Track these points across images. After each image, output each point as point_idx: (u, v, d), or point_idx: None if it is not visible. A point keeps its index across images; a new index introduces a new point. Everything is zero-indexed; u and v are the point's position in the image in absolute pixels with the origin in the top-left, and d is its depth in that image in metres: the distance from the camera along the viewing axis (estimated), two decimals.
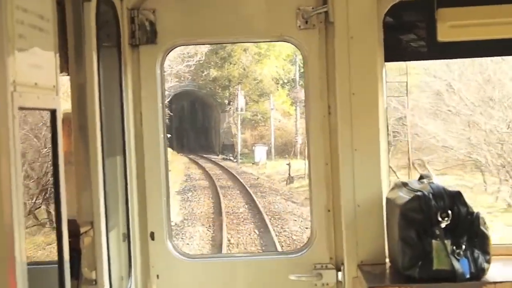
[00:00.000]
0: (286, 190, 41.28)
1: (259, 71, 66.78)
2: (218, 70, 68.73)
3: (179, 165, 53.58)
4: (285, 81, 67.24)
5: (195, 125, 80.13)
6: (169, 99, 65.73)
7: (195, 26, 6.03)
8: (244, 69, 67.50)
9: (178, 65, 57.51)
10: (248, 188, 40.13)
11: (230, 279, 6.10)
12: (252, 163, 56.16)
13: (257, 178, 46.67)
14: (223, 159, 63.45)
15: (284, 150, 59.53)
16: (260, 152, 58.17)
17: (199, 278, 6.09)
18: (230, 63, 67.66)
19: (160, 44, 5.95)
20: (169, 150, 60.28)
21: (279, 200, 36.65)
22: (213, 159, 62.32)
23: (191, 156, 64.39)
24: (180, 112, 78.62)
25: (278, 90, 67.16)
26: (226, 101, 69.87)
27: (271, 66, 65.98)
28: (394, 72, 32.67)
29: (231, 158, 62.43)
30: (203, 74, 69.00)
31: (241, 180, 44.14)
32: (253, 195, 37.14)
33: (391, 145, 39.00)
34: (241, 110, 64.57)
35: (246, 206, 34.50)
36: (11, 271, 3.33)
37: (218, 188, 40.57)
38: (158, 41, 5.94)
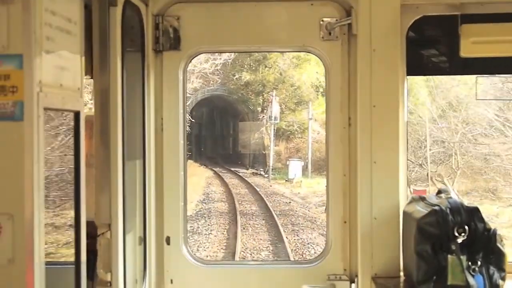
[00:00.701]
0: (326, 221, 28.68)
1: (297, 77, 58.12)
2: (251, 73, 60.16)
3: (200, 180, 47.01)
4: None
5: (223, 134, 73.20)
6: (195, 104, 59.75)
7: (218, 34, 6.07)
8: (281, 74, 59.37)
9: (202, 64, 51.48)
10: (276, 219, 31.51)
11: (243, 287, 6.12)
12: (286, 180, 49.27)
13: (289, 202, 38.34)
14: (253, 173, 55.34)
15: (322, 166, 47.84)
16: (295, 167, 50.34)
17: (213, 284, 6.10)
18: (265, 66, 59.46)
19: (183, 51, 6.00)
20: (191, 162, 51.86)
21: (317, 239, 27.85)
22: (241, 174, 54.22)
23: (217, 169, 56.76)
24: (207, 119, 72.19)
25: (318, 98, 56.63)
26: (259, 109, 61.38)
27: (311, 71, 56.55)
28: None
29: (262, 173, 55.24)
30: (234, 78, 61.05)
31: (269, 206, 35.65)
32: (282, 231, 28.67)
33: (458, 168, 35.29)
34: (275, 119, 56.37)
35: (271, 248, 26.51)
36: (29, 270, 3.37)
37: (238, 216, 32.47)
38: (181, 47, 5.99)
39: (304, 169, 50.93)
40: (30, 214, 3.32)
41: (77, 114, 3.98)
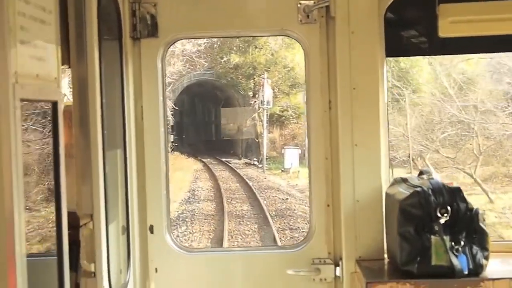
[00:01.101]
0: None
1: (291, 58, 52.32)
2: (240, 55, 54.27)
3: (187, 174, 42.37)
4: None
5: (211, 122, 67.88)
6: (180, 90, 55.10)
7: (196, 20, 6.03)
8: (273, 55, 53.81)
9: (185, 45, 48.04)
10: (271, 223, 26.75)
11: (228, 273, 6.11)
12: (281, 170, 45.45)
13: (286, 199, 33.33)
14: (246, 164, 50.48)
15: None
16: (291, 156, 45.95)
17: (198, 272, 6.10)
18: (256, 47, 53.99)
19: (161, 38, 5.95)
20: (177, 154, 47.53)
21: None
22: (233, 164, 49.19)
23: (206, 160, 51.51)
24: (194, 106, 65.50)
25: None
26: (251, 93, 55.32)
27: None
28: None
29: (256, 162, 50.40)
30: (222, 61, 55.12)
31: (263, 205, 30.62)
32: (279, 241, 24.04)
33: (480, 152, 30.57)
34: (268, 103, 50.93)
35: None
36: (11, 263, 3.33)
37: (226, 222, 27.64)
38: (159, 34, 5.94)
39: (302, 157, 45.39)
40: (9, 206, 3.28)
41: (54, 104, 3.92)
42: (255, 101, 54.03)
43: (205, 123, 68.47)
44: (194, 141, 62.62)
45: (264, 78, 51.43)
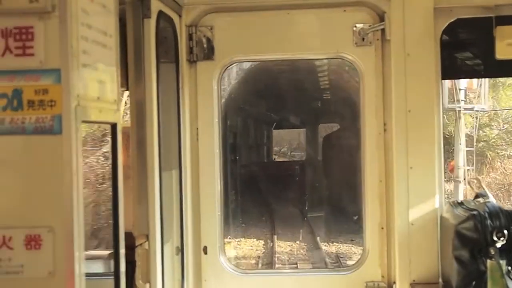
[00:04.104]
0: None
1: None
2: None
3: None
4: None
5: (282, 147, 39.33)
6: (235, 82, 25.40)
7: (251, 43, 6.09)
8: None
9: None
10: None
11: None
12: None
13: None
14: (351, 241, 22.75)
15: None
16: None
17: None
18: None
19: (217, 61, 6.02)
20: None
21: None
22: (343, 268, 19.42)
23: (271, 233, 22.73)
24: (250, 117, 33.37)
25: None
26: None
27: None
28: None
29: None
30: None
31: None
32: None
33: None
34: None
35: None
36: (70, 283, 3.40)
37: None
38: (215, 57, 6.02)
39: None
40: (69, 226, 3.35)
41: (114, 126, 4.01)
42: None
43: (273, 148, 37.87)
44: (250, 187, 32.18)
45: None
